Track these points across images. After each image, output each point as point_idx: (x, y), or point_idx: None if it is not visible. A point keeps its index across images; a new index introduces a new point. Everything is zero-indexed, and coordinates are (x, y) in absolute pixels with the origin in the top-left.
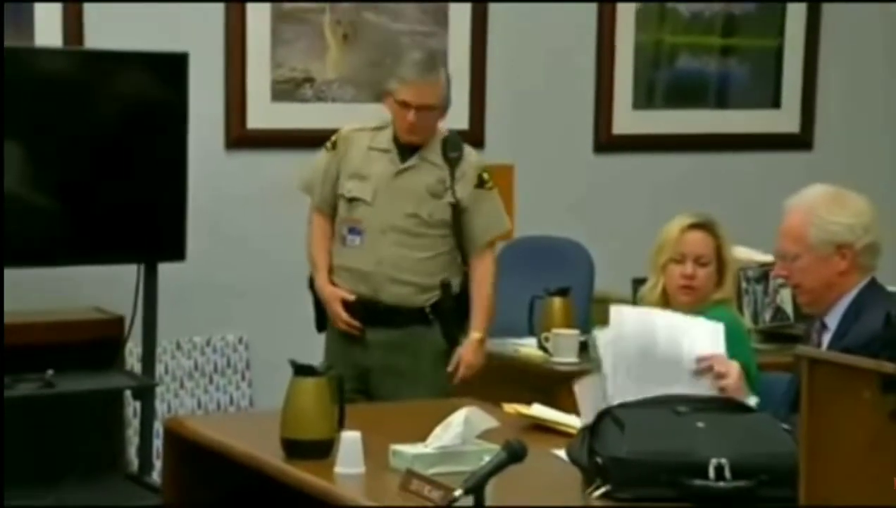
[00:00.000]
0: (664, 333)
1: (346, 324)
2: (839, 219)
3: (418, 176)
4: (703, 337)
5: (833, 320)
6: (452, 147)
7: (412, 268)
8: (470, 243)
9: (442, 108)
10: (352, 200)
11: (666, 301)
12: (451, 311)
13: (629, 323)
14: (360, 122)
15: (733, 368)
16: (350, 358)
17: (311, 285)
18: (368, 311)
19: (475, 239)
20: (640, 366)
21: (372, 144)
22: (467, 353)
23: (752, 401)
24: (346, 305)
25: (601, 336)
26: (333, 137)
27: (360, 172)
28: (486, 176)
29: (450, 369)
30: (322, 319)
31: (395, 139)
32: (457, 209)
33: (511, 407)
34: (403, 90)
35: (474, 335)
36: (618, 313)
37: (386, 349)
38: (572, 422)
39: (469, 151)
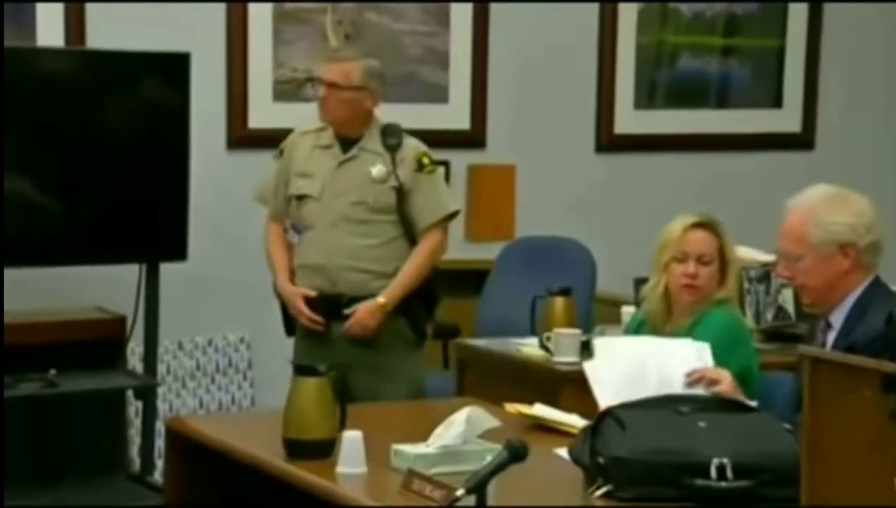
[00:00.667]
0: (652, 360)
1: (308, 320)
2: (841, 218)
3: (360, 165)
4: (690, 356)
5: (837, 319)
6: (391, 134)
7: (365, 255)
8: (414, 226)
9: (350, 90)
10: (300, 197)
11: (668, 300)
12: (413, 300)
13: (616, 354)
14: (306, 125)
15: (725, 374)
16: (319, 357)
17: (276, 290)
18: (330, 305)
19: (417, 222)
20: (630, 395)
21: (316, 143)
22: (362, 312)
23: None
24: (308, 302)
25: (589, 368)
26: (281, 145)
27: (307, 171)
28: (425, 160)
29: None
30: (290, 323)
31: (337, 135)
32: (401, 194)
33: (512, 407)
34: (317, 67)
35: (379, 299)
36: (603, 345)
37: (352, 343)
38: (574, 422)
39: (409, 138)
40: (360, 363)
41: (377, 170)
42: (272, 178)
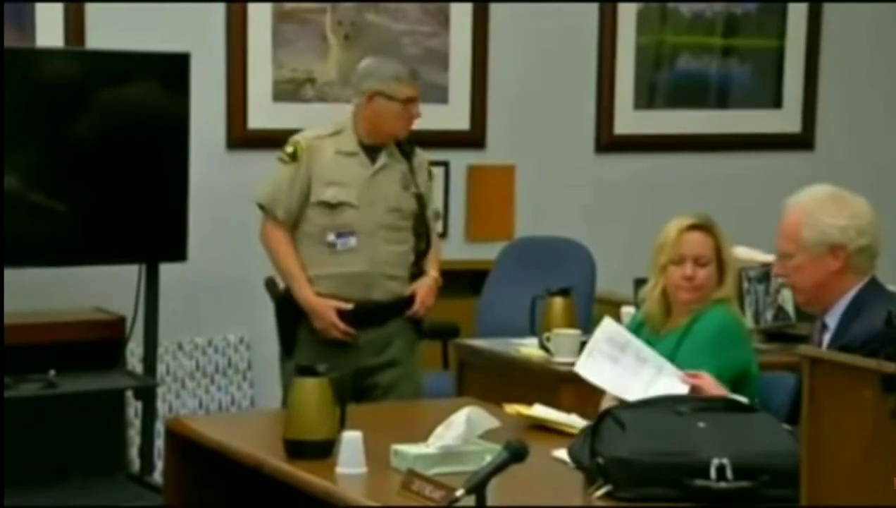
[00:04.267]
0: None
1: (342, 333)
2: (833, 220)
3: (391, 173)
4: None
5: (833, 319)
6: (406, 141)
7: (399, 262)
8: (428, 228)
9: None
10: (335, 205)
11: (667, 302)
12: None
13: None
14: (314, 129)
15: (704, 374)
16: (337, 365)
17: (279, 305)
18: (358, 314)
19: (431, 224)
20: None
21: (338, 149)
22: (424, 292)
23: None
24: (339, 313)
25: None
26: (290, 149)
27: (337, 178)
28: (430, 167)
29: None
30: (291, 341)
31: (360, 142)
32: (421, 200)
33: (512, 408)
34: (406, 88)
35: (432, 274)
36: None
37: (377, 347)
38: (573, 422)
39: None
40: (382, 364)
41: (402, 177)
42: (286, 183)
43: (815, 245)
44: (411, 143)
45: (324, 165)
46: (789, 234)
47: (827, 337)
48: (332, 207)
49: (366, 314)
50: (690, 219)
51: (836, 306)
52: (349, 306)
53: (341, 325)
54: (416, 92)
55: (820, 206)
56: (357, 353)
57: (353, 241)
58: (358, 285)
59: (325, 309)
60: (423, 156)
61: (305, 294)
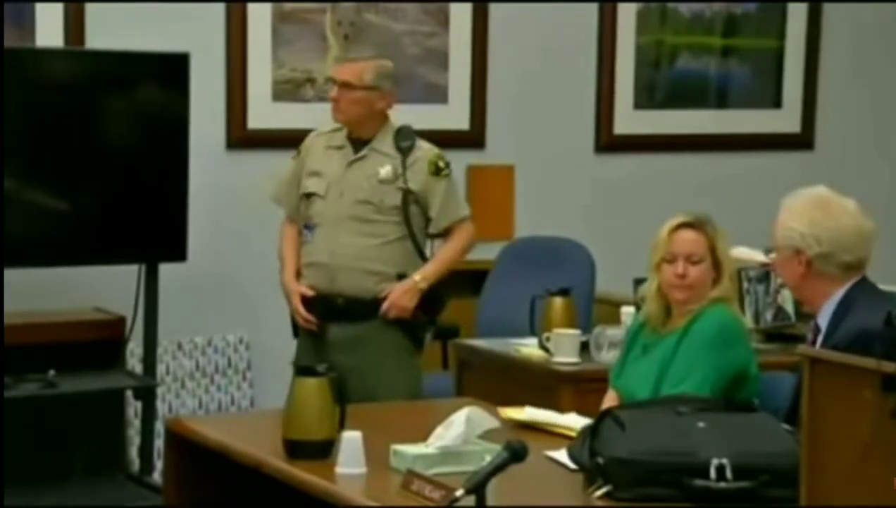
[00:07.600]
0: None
1: (303, 319)
2: (795, 225)
3: (368, 165)
4: None
5: (824, 321)
6: (404, 137)
7: (367, 256)
8: (431, 228)
9: (363, 90)
10: (308, 196)
11: (665, 301)
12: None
13: None
14: (324, 126)
15: None
16: (318, 360)
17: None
18: (326, 306)
19: (433, 225)
20: None
21: (329, 144)
22: (396, 292)
23: None
24: (305, 300)
25: None
26: (300, 146)
27: (318, 170)
28: (441, 164)
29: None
30: (296, 324)
31: (350, 136)
32: (407, 196)
33: (505, 412)
34: (332, 68)
35: (414, 276)
36: None
37: (347, 345)
38: (569, 423)
39: (423, 142)
40: (354, 368)
41: (385, 171)
42: (287, 178)
43: (783, 247)
44: (411, 137)
45: (313, 159)
46: (773, 231)
47: (820, 339)
48: (307, 197)
49: (331, 308)
50: (682, 217)
51: (825, 307)
52: (310, 292)
53: (302, 310)
54: (334, 72)
55: (795, 208)
56: (326, 347)
57: (310, 235)
58: (321, 276)
59: (290, 293)
60: (423, 151)
61: (283, 278)
